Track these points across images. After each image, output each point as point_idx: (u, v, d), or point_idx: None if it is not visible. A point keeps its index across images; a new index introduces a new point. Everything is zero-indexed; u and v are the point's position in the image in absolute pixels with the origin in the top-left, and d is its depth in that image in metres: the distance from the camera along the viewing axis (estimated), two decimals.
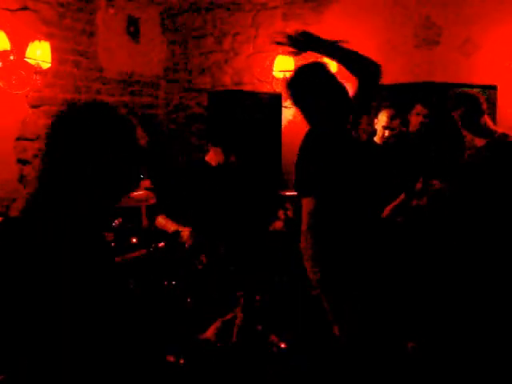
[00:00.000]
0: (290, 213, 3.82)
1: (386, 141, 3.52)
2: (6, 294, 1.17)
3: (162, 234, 3.29)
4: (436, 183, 3.18)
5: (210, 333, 1.61)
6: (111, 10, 5.02)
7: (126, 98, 5.28)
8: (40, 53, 3.98)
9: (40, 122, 4.22)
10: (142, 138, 1.33)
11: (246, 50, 5.25)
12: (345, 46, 2.36)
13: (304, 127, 2.44)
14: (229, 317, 1.70)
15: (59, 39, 4.47)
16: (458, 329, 2.94)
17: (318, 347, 2.74)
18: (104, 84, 5.00)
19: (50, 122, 1.30)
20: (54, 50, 4.17)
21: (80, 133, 1.24)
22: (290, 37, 2.36)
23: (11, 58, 3.91)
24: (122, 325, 1.24)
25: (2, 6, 4.00)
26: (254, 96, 5.11)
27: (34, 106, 4.22)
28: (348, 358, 2.32)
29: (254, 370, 1.85)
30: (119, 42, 5.16)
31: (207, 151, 3.55)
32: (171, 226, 3.27)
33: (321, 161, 2.27)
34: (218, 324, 1.65)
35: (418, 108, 3.59)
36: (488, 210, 3.01)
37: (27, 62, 3.97)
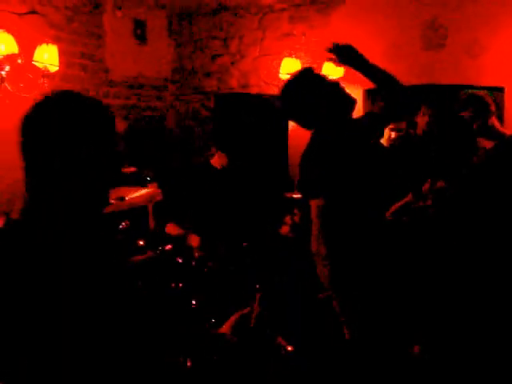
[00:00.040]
0: (296, 218, 3.81)
1: (392, 143, 3.51)
2: (6, 294, 1.17)
3: (170, 236, 3.30)
4: (442, 184, 3.17)
5: (226, 327, 1.60)
6: (118, 14, 5.04)
7: (133, 101, 5.29)
8: (48, 56, 4.00)
9: None
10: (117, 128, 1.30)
11: (253, 52, 5.26)
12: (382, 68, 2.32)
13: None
14: (245, 311, 1.69)
15: (67, 42, 4.49)
16: (464, 331, 2.92)
17: (323, 350, 2.74)
18: (111, 87, 5.02)
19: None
20: (61, 53, 4.18)
21: (54, 124, 1.20)
22: (336, 45, 2.35)
23: (19, 61, 3.93)
24: (127, 326, 1.24)
25: (10, 10, 4.03)
26: (260, 98, 5.11)
27: None
28: (355, 360, 2.32)
29: (260, 372, 1.85)
30: (126, 45, 5.18)
31: (213, 154, 3.56)
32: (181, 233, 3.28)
33: (327, 162, 2.26)
34: (234, 318, 1.64)
35: (424, 109, 3.58)
36: (495, 212, 3.00)
37: (35, 66, 3.99)
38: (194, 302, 2.56)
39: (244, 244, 3.11)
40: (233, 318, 1.64)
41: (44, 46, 3.98)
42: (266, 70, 5.13)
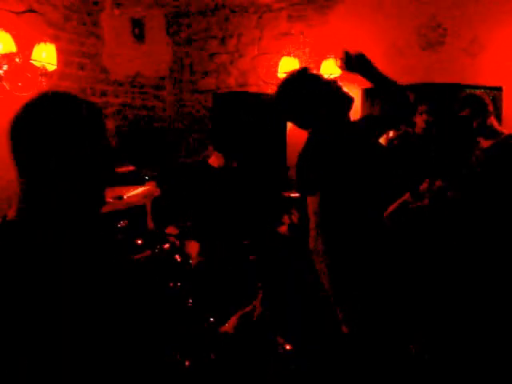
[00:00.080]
0: (294, 218, 3.82)
1: (391, 141, 3.51)
2: (6, 294, 1.17)
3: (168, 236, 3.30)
4: (439, 184, 3.17)
5: (228, 326, 1.60)
6: (116, 12, 5.03)
7: (131, 100, 5.29)
8: (45, 55, 3.99)
9: None
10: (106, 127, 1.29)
11: (251, 51, 5.25)
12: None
13: None
14: (248, 309, 1.69)
15: (64, 41, 4.48)
16: (461, 330, 2.93)
17: (321, 348, 2.74)
18: (109, 86, 5.01)
19: None
20: (59, 52, 4.18)
21: (44, 125, 1.20)
22: (346, 53, 2.35)
23: (17, 60, 3.92)
24: (127, 325, 1.24)
25: (8, 9, 4.02)
26: (258, 97, 5.11)
27: None
28: (353, 359, 2.32)
29: (259, 370, 1.85)
30: (124, 44, 5.17)
31: (210, 154, 3.56)
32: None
33: (325, 160, 2.26)
34: (236, 317, 1.64)
35: (422, 108, 3.59)
36: (493, 212, 3.00)
37: (33, 64, 3.98)
38: (190, 301, 2.56)
39: (244, 242, 3.10)
40: (235, 318, 1.65)
41: (42, 44, 3.98)
42: (264, 69, 5.12)
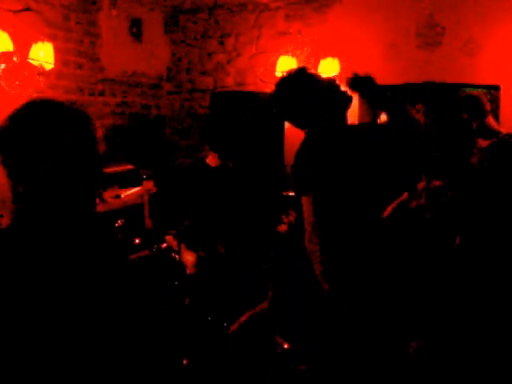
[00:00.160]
0: (291, 218, 3.82)
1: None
2: (6, 294, 1.17)
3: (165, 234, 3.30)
4: (437, 183, 3.17)
5: (237, 326, 1.61)
6: (114, 12, 5.02)
7: (129, 99, 5.28)
8: (43, 54, 3.98)
9: None
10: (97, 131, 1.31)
11: (249, 50, 5.25)
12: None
13: None
14: (257, 310, 1.69)
15: (62, 40, 4.47)
16: (461, 330, 2.93)
17: (320, 347, 2.74)
18: (107, 85, 5.01)
19: None
20: (56, 51, 4.17)
21: (30, 131, 1.21)
22: (355, 75, 2.35)
23: (14, 59, 3.91)
24: (126, 325, 1.24)
25: (5, 8, 4.01)
26: (256, 96, 5.11)
27: None
28: (353, 359, 2.32)
29: (258, 369, 1.85)
30: (122, 43, 5.17)
31: (207, 153, 3.56)
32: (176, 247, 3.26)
33: (320, 159, 2.25)
34: (245, 317, 1.64)
35: (418, 106, 3.59)
36: (491, 211, 3.00)
37: (30, 64, 3.97)
38: (187, 300, 2.56)
39: (245, 242, 3.10)
40: (243, 318, 1.65)
41: (39, 43, 3.97)
42: (262, 68, 5.12)
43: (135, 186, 4.25)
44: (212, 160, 3.49)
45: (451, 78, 4.20)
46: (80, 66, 4.69)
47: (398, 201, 3.21)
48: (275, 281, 2.01)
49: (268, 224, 3.81)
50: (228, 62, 5.39)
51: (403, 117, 2.32)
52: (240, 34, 5.29)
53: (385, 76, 4.54)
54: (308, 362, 2.58)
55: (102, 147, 1.29)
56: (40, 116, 1.24)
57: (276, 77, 4.75)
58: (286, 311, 2.77)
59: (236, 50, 5.33)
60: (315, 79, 2.36)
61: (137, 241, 3.43)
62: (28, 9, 4.19)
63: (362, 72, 2.33)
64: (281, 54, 4.75)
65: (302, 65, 2.51)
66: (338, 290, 2.26)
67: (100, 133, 1.30)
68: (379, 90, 2.32)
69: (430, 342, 2.93)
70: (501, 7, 4.10)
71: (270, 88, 4.91)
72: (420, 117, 3.57)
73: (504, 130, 3.27)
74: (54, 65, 4.13)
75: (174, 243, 3.34)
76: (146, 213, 4.25)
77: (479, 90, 3.72)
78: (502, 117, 3.90)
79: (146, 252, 3.12)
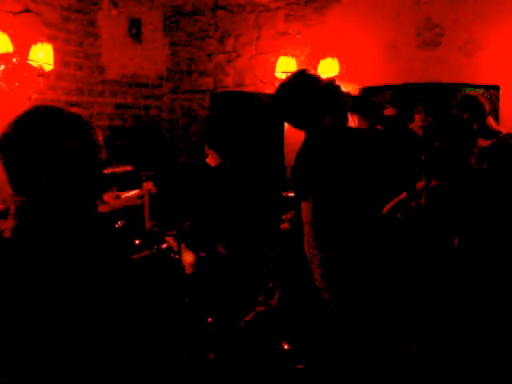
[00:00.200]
0: (290, 216, 3.82)
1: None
2: (7, 294, 1.17)
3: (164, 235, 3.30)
4: (436, 183, 3.17)
5: (242, 324, 1.61)
6: (113, 12, 5.03)
7: (129, 100, 5.29)
8: (43, 55, 3.99)
9: None
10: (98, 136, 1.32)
11: (249, 51, 5.25)
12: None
13: None
14: (262, 309, 1.69)
15: (62, 41, 4.48)
16: (461, 330, 2.93)
17: (319, 347, 2.74)
18: (106, 85, 5.01)
19: None
20: (56, 52, 4.17)
21: (33, 139, 1.23)
22: (354, 98, 2.37)
23: (14, 60, 3.91)
24: (126, 325, 1.24)
25: (5, 9, 4.01)
26: (256, 97, 5.11)
27: None
28: (353, 359, 2.32)
29: (258, 369, 1.85)
30: (121, 44, 5.17)
31: (207, 154, 3.56)
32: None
33: (320, 161, 2.26)
34: (250, 316, 1.65)
35: (418, 107, 3.59)
36: (491, 211, 3.00)
37: (30, 65, 3.97)
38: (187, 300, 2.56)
39: (245, 242, 3.10)
40: (249, 317, 1.65)
41: (39, 44, 3.97)
42: (261, 68, 5.12)
43: (135, 187, 4.26)
44: (212, 160, 3.50)
45: (451, 78, 4.20)
46: (79, 67, 4.70)
47: (396, 200, 3.20)
48: (282, 280, 2.01)
49: (268, 224, 3.81)
50: (227, 63, 5.38)
51: (398, 129, 2.34)
52: (240, 35, 5.29)
53: (385, 76, 4.55)
54: (308, 362, 2.58)
55: (103, 153, 1.30)
56: (42, 124, 1.25)
57: (275, 77, 4.76)
58: (286, 311, 2.77)
59: (236, 51, 5.33)
60: (315, 80, 2.36)
61: (137, 241, 3.43)
62: (27, 10, 4.19)
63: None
64: (280, 55, 4.75)
65: (301, 65, 2.51)
66: (338, 293, 2.26)
67: (101, 138, 1.31)
68: (375, 106, 2.35)
69: (429, 342, 2.93)
70: (500, 7, 4.11)
71: (269, 88, 4.94)
72: (421, 117, 3.57)
73: (504, 130, 3.27)
74: (54, 66, 4.14)
75: (174, 244, 3.34)
76: (146, 213, 4.25)
77: (479, 90, 3.72)
78: (501, 117, 3.90)
79: (147, 252, 3.13)
